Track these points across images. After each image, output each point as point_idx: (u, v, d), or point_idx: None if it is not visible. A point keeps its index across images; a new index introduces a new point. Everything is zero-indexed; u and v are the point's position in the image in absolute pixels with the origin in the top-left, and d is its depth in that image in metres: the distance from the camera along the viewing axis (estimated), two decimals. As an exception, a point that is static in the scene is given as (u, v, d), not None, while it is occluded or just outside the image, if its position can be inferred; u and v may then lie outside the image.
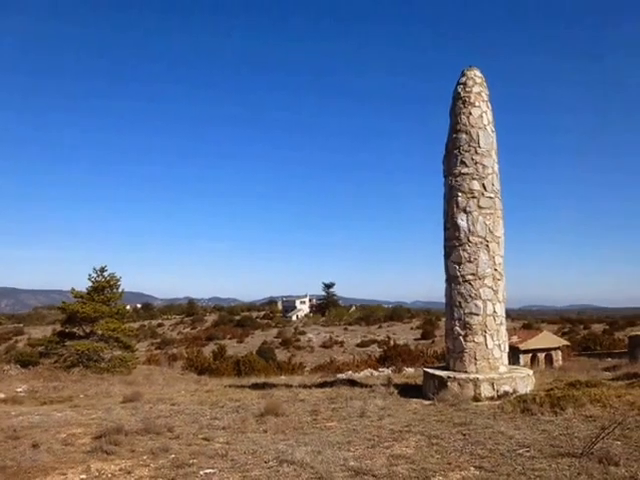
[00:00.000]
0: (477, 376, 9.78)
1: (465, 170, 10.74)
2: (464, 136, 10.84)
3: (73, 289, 25.78)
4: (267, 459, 5.97)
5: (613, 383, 10.38)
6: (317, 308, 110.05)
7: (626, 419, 6.89)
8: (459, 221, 10.66)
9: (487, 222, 10.59)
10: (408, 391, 10.76)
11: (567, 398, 8.25)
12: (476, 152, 10.74)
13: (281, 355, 46.68)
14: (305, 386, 12.66)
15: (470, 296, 10.42)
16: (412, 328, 71.83)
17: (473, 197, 10.64)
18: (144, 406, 10.51)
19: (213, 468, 5.71)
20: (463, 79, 11.21)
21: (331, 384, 12.48)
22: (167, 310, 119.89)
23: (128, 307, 49.81)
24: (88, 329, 25.09)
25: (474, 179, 10.68)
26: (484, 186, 10.67)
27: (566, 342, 33.15)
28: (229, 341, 62.35)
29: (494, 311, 10.42)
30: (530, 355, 28.35)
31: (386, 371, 20.13)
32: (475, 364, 10.21)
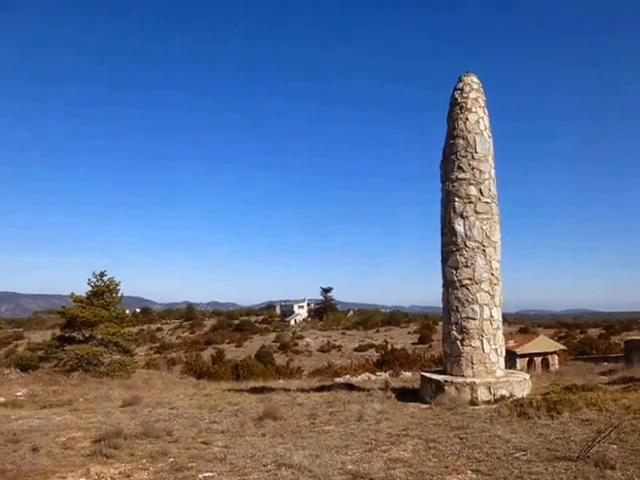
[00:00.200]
0: (474, 380, 9.83)
1: (462, 175, 10.82)
2: (461, 142, 10.93)
3: (73, 294, 25.80)
4: (265, 463, 6.01)
5: (609, 387, 10.43)
6: (315, 312, 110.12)
7: (622, 423, 6.94)
8: (456, 226, 10.74)
9: (484, 227, 10.66)
10: (405, 395, 10.81)
11: (563, 402, 8.30)
12: (473, 157, 10.82)
13: (279, 359, 46.63)
14: (303, 390, 12.69)
15: (467, 300, 10.48)
16: (409, 332, 71.92)
17: (470, 202, 10.72)
18: (143, 410, 10.53)
19: (212, 472, 5.75)
20: (460, 85, 11.30)
21: (329, 388, 12.51)
22: (166, 314, 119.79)
23: (127, 311, 49.72)
24: (87, 333, 25.06)
25: (471, 184, 10.76)
26: (481, 191, 10.75)
27: (562, 346, 33.21)
28: (227, 345, 62.31)
29: (491, 315, 10.48)
30: (527, 359, 28.38)
31: (384, 375, 20.16)
32: (472, 368, 10.27)
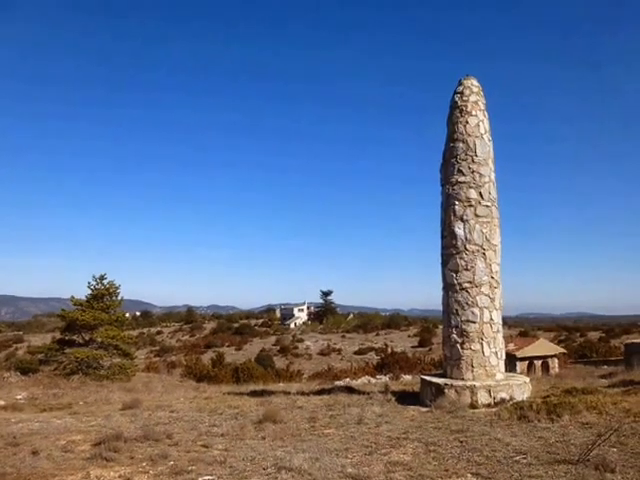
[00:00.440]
0: (474, 383, 9.83)
1: (462, 179, 10.85)
2: (461, 145, 10.96)
3: (73, 297, 25.83)
4: (265, 466, 6.01)
5: (609, 390, 10.43)
6: (315, 316, 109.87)
7: (622, 426, 6.95)
8: (456, 229, 10.76)
9: (484, 230, 10.68)
10: (405, 398, 10.81)
11: (563, 405, 8.31)
12: (473, 161, 10.85)
13: (279, 362, 46.53)
14: (303, 393, 12.69)
15: (467, 304, 10.49)
16: (409, 336, 71.68)
17: (470, 205, 10.74)
18: (143, 413, 10.52)
19: (212, 475, 5.75)
20: (460, 88, 11.34)
21: (329, 391, 12.52)
22: (166, 318, 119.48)
23: (127, 315, 49.80)
24: (87, 337, 25.11)
25: (471, 187, 10.78)
26: (481, 194, 10.77)
27: (562, 350, 33.11)
28: (227, 349, 62.12)
29: (491, 319, 10.49)
30: (527, 362, 28.31)
31: (383, 378, 20.14)
32: (472, 371, 10.27)
